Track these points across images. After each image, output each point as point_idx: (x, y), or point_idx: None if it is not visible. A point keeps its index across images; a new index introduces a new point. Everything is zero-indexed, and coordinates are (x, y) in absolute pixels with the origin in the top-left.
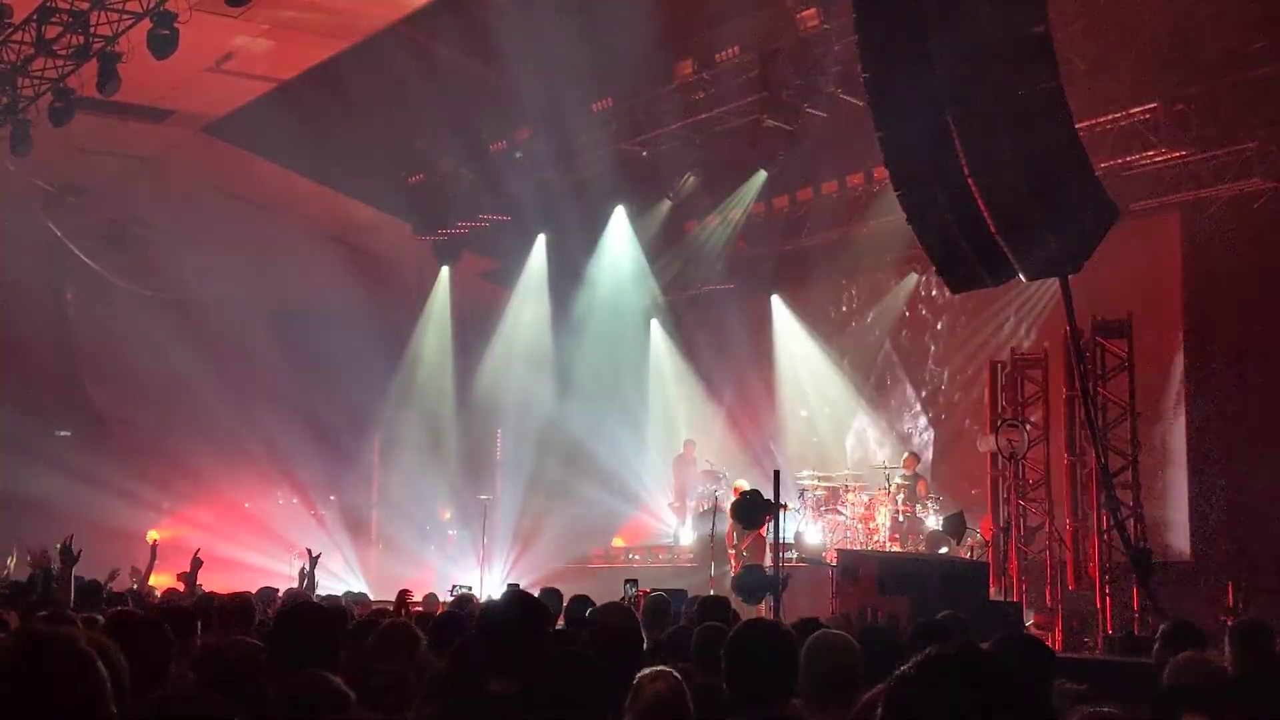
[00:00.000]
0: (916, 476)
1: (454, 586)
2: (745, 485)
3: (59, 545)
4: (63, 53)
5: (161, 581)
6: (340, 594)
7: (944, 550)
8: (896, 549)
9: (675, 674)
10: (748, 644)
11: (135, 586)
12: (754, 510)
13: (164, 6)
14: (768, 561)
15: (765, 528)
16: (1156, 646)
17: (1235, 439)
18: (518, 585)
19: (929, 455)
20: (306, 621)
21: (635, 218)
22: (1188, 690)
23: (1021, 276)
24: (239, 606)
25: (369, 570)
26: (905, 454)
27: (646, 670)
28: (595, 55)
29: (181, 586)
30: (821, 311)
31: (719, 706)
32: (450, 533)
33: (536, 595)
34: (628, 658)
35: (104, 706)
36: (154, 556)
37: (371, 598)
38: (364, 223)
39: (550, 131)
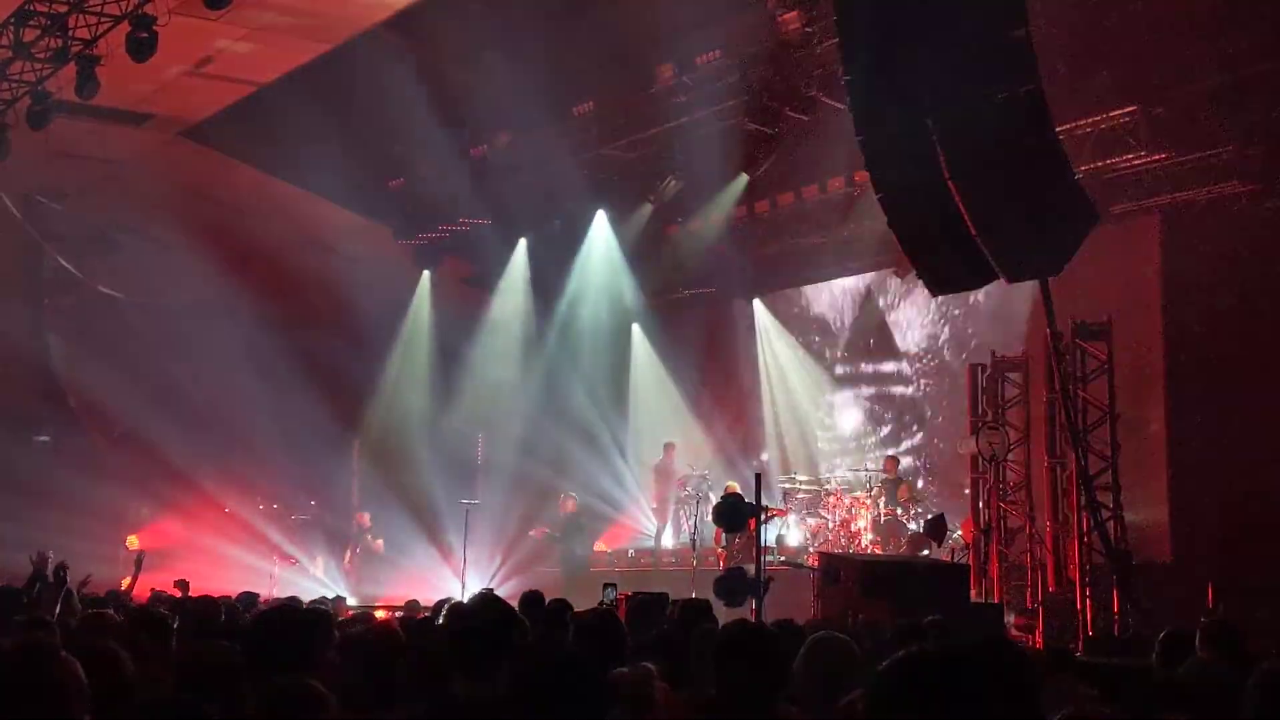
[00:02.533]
0: (898, 479)
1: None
2: (738, 486)
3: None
4: (41, 56)
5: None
6: (329, 598)
7: (925, 552)
8: (878, 552)
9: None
10: (735, 645)
11: (121, 590)
12: (736, 514)
13: (143, 9)
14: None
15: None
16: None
17: (1215, 440)
18: (491, 590)
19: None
20: (285, 626)
21: (616, 222)
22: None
23: (1002, 279)
24: (151, 621)
25: (349, 575)
26: (885, 457)
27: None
28: (576, 59)
29: (177, 592)
30: (803, 315)
31: (707, 708)
32: (367, 538)
33: (519, 600)
34: (610, 661)
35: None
36: (139, 566)
37: (352, 603)
38: (344, 227)
39: (531, 135)
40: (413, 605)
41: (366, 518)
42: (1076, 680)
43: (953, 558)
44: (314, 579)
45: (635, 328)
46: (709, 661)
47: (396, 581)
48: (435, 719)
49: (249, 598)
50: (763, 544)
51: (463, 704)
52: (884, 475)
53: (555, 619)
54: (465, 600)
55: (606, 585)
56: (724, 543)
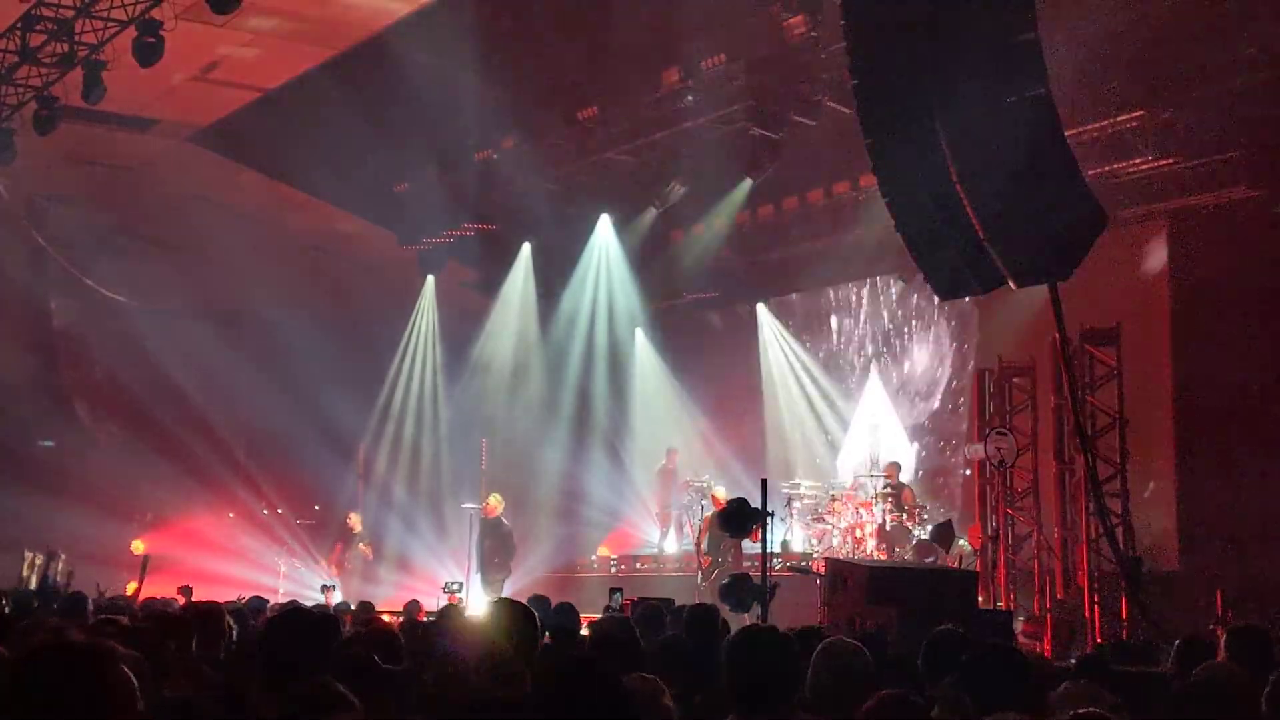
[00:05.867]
0: (901, 485)
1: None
2: (722, 492)
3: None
4: (47, 61)
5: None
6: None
7: (932, 559)
8: (884, 558)
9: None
10: (748, 650)
11: (128, 597)
12: (741, 519)
13: (149, 14)
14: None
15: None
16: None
17: (1222, 446)
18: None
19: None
20: (297, 628)
21: (621, 226)
22: (1204, 695)
23: (1010, 284)
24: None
25: (340, 578)
26: (887, 463)
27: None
28: (581, 63)
29: (181, 600)
30: (807, 320)
31: (718, 713)
32: (361, 546)
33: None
34: (624, 666)
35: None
36: (144, 570)
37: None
38: (349, 232)
39: (535, 140)
40: (413, 606)
41: (355, 519)
42: (1100, 686)
43: (960, 564)
44: (318, 584)
45: (639, 332)
46: (720, 666)
47: (398, 585)
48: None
49: (257, 602)
50: (767, 549)
51: (485, 706)
52: (886, 481)
53: (564, 623)
54: (468, 606)
55: (613, 590)
56: (705, 548)
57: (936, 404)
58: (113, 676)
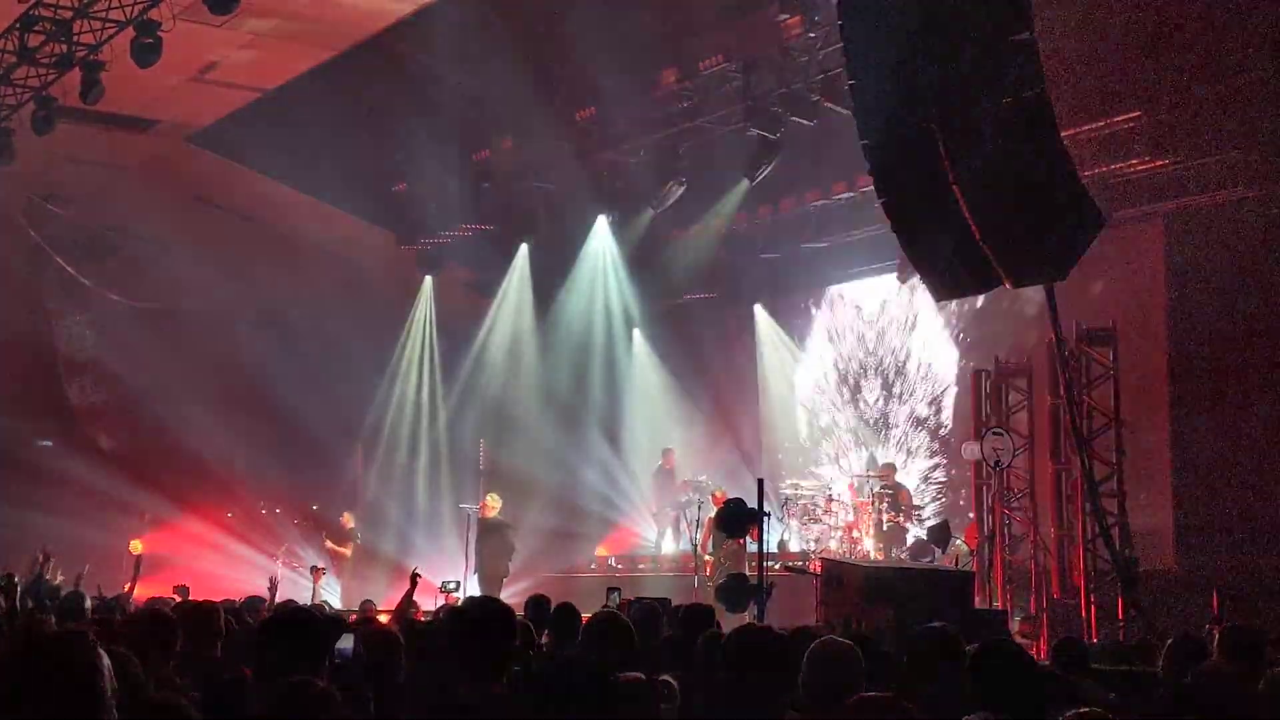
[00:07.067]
0: (898, 485)
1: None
2: (720, 491)
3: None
4: (45, 61)
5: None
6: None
7: (928, 559)
8: (880, 558)
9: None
10: (744, 650)
11: (122, 595)
12: (738, 519)
13: (147, 15)
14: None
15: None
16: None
17: (1219, 447)
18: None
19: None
20: (294, 628)
21: (617, 227)
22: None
23: (1007, 284)
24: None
25: (349, 580)
26: (883, 463)
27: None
28: (578, 64)
29: (177, 599)
30: (804, 320)
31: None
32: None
33: (525, 603)
34: (620, 664)
35: (103, 709)
36: (138, 569)
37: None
38: (347, 233)
39: (533, 140)
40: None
41: (347, 518)
42: (1094, 684)
43: (956, 564)
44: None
45: (636, 333)
46: (716, 666)
47: (395, 585)
48: None
49: (254, 602)
50: (764, 549)
51: (465, 705)
52: (882, 482)
53: (563, 622)
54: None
55: (611, 589)
56: (710, 550)
57: (936, 403)
58: (85, 667)
